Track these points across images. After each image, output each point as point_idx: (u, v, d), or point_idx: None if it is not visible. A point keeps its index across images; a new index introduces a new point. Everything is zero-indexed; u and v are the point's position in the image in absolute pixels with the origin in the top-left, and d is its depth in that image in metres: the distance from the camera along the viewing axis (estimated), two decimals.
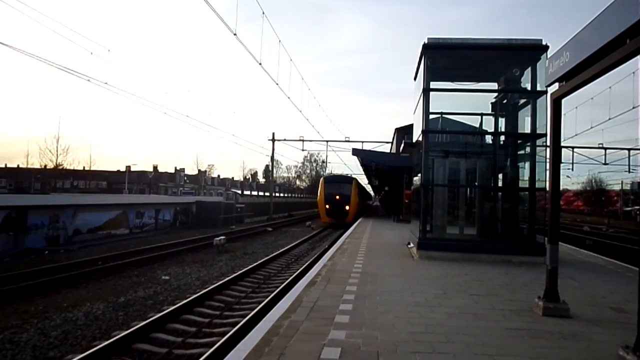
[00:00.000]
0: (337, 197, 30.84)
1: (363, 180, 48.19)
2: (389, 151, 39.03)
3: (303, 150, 38.26)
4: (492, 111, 11.87)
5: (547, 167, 6.10)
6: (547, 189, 6.17)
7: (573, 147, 32.00)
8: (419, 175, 11.54)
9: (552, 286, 5.47)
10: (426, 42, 10.38)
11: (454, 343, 4.29)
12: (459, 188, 11.89)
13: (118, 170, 71.09)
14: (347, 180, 33.88)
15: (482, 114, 11.99)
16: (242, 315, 7.94)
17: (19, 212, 17.09)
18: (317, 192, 33.55)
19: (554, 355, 4.08)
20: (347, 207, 30.82)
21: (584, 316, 5.40)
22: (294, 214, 51.92)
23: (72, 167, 54.58)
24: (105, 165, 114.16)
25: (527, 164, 10.87)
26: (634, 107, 20.25)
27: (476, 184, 11.93)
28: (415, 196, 13.36)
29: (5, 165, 67.55)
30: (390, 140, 44.63)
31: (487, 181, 11.88)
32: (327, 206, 31.07)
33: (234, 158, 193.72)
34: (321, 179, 35.91)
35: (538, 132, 10.06)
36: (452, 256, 9.72)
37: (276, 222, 37.16)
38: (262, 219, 39.12)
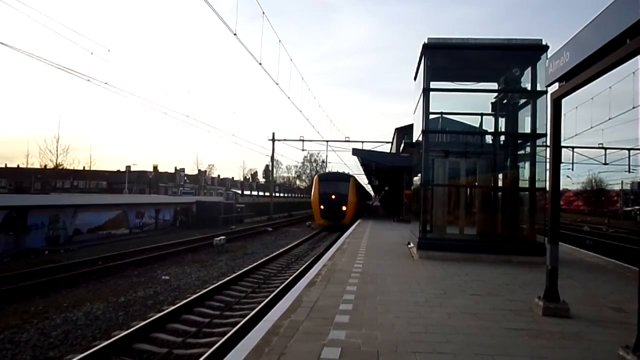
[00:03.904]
0: (333, 196, 27.94)
1: (363, 180, 48.17)
2: (389, 151, 39.05)
3: (303, 150, 38.29)
4: (492, 111, 11.88)
5: (547, 167, 6.11)
6: (547, 189, 6.17)
7: (573, 147, 32.01)
8: (419, 175, 11.55)
9: (552, 286, 5.47)
10: (426, 42, 10.38)
11: (454, 343, 4.29)
12: (459, 188, 11.89)
13: (118, 170, 71.14)
14: (344, 178, 30.71)
15: (482, 114, 11.99)
16: (242, 315, 7.94)
17: (19, 212, 17.08)
18: (312, 191, 30.93)
19: (554, 355, 4.08)
20: (344, 208, 27.87)
21: (584, 316, 5.40)
22: (294, 214, 51.93)
23: (72, 167, 54.61)
24: (105, 165, 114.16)
25: (527, 164, 10.87)
26: (634, 107, 20.27)
27: (476, 184, 11.93)
28: (415, 196, 13.37)
29: (5, 165, 67.70)
30: (390, 140, 44.68)
31: (487, 181, 11.88)
32: (322, 207, 28.06)
33: (234, 158, 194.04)
34: (315, 177, 32.69)
35: (538, 132, 10.06)
36: (452, 256, 9.71)
37: (276, 222, 37.14)
38: (262, 219, 39.10)
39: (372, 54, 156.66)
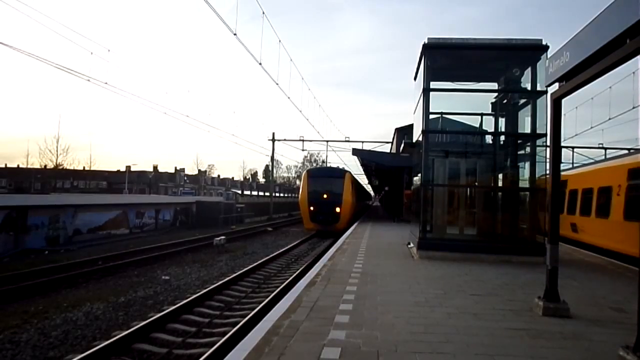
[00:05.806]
0: (325, 195, 23.92)
1: (363, 180, 48.18)
2: (389, 151, 39.08)
3: (303, 150, 38.37)
4: (492, 111, 11.89)
5: (547, 167, 6.10)
6: (547, 189, 6.17)
7: (573, 147, 31.93)
8: (419, 175, 11.55)
9: (552, 286, 5.47)
10: (426, 42, 10.38)
11: (454, 343, 4.29)
12: (459, 188, 11.90)
13: (118, 170, 71.25)
14: (337, 174, 25.75)
15: (482, 114, 12.00)
16: (242, 315, 7.94)
17: (19, 212, 17.09)
18: (300, 189, 26.60)
19: (554, 355, 4.07)
20: (338, 210, 23.67)
21: (584, 316, 5.39)
22: (294, 214, 51.85)
23: (72, 167, 54.73)
24: (105, 165, 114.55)
25: (527, 164, 10.87)
26: (634, 107, 20.22)
27: (476, 184, 11.93)
28: (415, 196, 13.37)
29: (5, 165, 67.89)
30: (391, 140, 44.73)
31: (487, 181, 11.87)
32: (312, 208, 23.92)
33: (234, 158, 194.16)
34: (304, 173, 27.62)
35: (538, 132, 10.06)
36: (452, 256, 9.71)
37: (276, 222, 37.15)
38: (262, 219, 39.12)
39: (372, 54, 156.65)
